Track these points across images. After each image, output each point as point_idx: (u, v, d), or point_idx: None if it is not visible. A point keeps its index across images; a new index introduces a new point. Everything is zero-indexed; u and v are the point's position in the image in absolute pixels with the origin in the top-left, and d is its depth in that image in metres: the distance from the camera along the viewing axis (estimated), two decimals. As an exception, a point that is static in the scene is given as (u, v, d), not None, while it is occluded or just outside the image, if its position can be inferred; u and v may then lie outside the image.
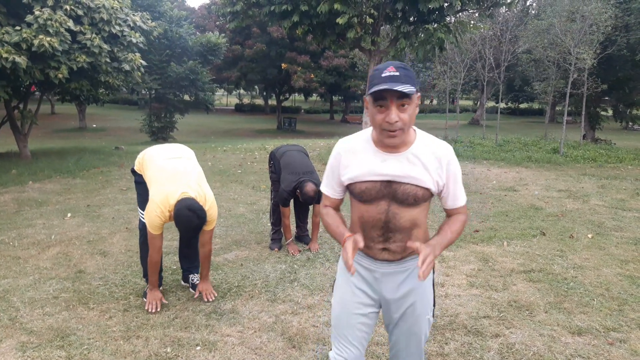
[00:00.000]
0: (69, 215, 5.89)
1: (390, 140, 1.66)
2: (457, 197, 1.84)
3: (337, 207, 1.95)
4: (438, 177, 1.75)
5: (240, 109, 44.79)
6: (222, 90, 43.36)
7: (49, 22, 8.26)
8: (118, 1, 9.71)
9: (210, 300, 3.51)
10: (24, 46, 8.12)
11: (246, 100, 49.70)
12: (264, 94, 41.68)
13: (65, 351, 2.82)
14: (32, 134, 12.22)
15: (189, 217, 3.01)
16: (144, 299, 3.48)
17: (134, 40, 10.00)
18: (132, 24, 10.14)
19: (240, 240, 4.99)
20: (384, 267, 1.83)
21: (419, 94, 1.66)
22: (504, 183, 8.50)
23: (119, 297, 3.58)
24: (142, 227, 3.49)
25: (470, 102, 46.72)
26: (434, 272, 1.94)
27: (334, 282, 1.98)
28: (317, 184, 4.21)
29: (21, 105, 11.19)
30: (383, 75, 1.58)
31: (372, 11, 9.16)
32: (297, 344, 2.94)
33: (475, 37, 15.84)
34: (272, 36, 27.03)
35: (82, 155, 11.34)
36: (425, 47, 9.93)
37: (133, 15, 10.31)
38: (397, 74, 1.57)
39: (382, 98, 1.59)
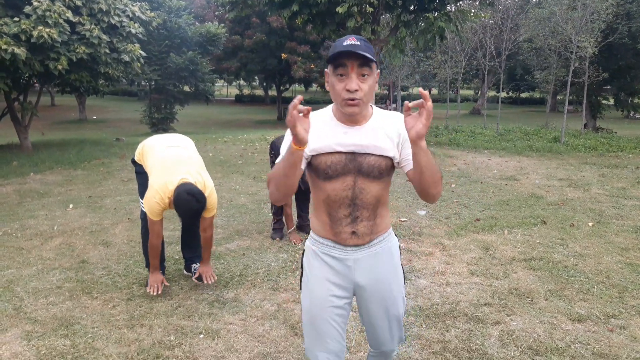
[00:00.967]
0: (71, 206, 5.91)
1: (350, 109, 1.62)
2: None
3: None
4: (398, 141, 1.73)
5: (240, 99, 44.65)
6: (222, 81, 43.20)
7: (47, 13, 8.23)
8: (116, -9, 9.66)
9: (211, 282, 3.51)
10: (23, 37, 8.10)
11: (246, 91, 49.51)
12: (264, 84, 41.50)
13: (70, 340, 2.85)
14: (33, 126, 12.21)
15: (188, 201, 3.04)
16: (147, 288, 3.51)
17: (133, 31, 9.96)
18: (131, 15, 10.10)
19: (242, 230, 5.01)
20: (354, 253, 1.79)
21: (378, 70, 1.67)
22: (504, 172, 8.51)
23: (122, 286, 3.61)
24: (144, 217, 3.51)
25: (471, 92, 46.58)
26: (400, 253, 1.94)
27: (301, 278, 1.90)
28: None
29: (21, 97, 11.17)
30: (345, 43, 1.58)
31: (372, 0, 9.11)
32: (299, 332, 2.97)
33: (476, 26, 15.76)
34: (272, 26, 26.86)
35: (83, 147, 11.35)
36: (426, 36, 9.88)
37: (132, 5, 10.26)
38: (358, 43, 1.57)
39: (342, 65, 1.58)
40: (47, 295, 3.43)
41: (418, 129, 1.53)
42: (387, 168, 1.73)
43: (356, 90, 1.59)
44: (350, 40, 1.58)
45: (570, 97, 16.30)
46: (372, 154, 1.70)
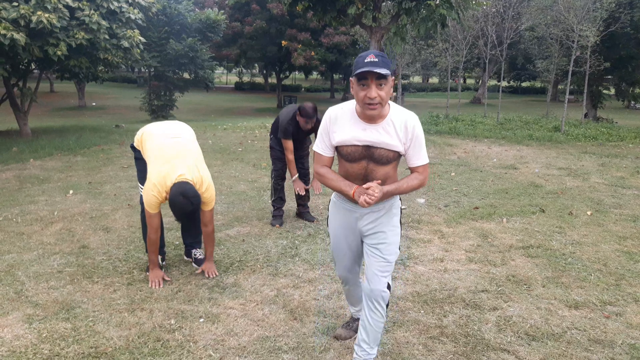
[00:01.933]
0: (71, 192, 5.92)
1: (370, 112, 2.11)
2: (419, 158, 2.26)
3: (330, 166, 2.37)
4: (405, 140, 2.20)
5: (240, 87, 44.49)
6: (222, 68, 43.01)
7: (46, -2, 8.17)
8: (116, -24, 9.57)
9: (213, 276, 3.56)
10: (22, 23, 8.04)
11: (246, 79, 49.32)
12: (264, 72, 41.31)
13: (71, 323, 2.87)
14: (32, 112, 12.18)
15: (182, 204, 3.09)
16: (147, 273, 3.53)
17: (133, 17, 9.89)
18: (130, 0, 10.02)
19: (242, 217, 5.02)
20: (362, 208, 2.28)
21: (393, 77, 2.11)
22: (504, 161, 8.52)
23: (122, 271, 3.63)
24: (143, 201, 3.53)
25: (472, 81, 46.40)
26: (401, 224, 2.43)
27: (327, 219, 2.55)
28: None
29: (20, 83, 11.13)
30: (365, 61, 2.02)
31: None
32: (298, 317, 3.00)
33: (477, 14, 15.65)
34: (272, 13, 26.67)
35: (82, 133, 11.33)
36: (427, 23, 9.83)
37: (131, -9, 10.17)
38: (376, 60, 2.01)
39: (364, 78, 2.04)
40: (48, 280, 3.45)
41: (360, 201, 2.13)
42: (394, 157, 2.24)
43: (375, 97, 2.05)
44: (370, 58, 2.02)
45: (571, 87, 16.24)
46: (383, 148, 2.19)
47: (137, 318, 2.94)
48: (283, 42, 26.89)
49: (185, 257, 3.90)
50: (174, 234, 4.37)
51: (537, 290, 3.40)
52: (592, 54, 13.47)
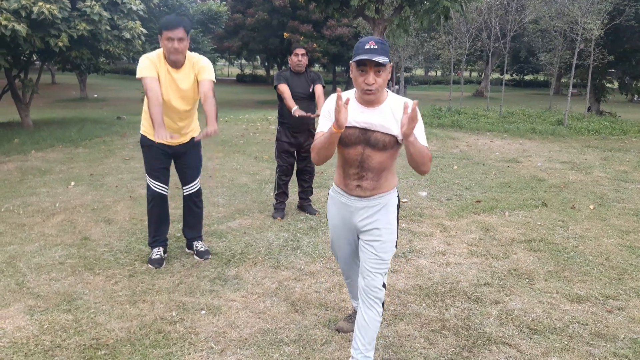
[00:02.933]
0: (72, 184, 5.92)
1: (368, 96, 2.15)
2: (420, 139, 2.17)
3: None
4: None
5: (241, 79, 44.34)
6: (224, 60, 42.87)
7: (47, -11, 8.12)
8: (117, -33, 9.50)
9: (214, 135, 3.26)
10: (23, 13, 8.00)
11: (248, 71, 49.18)
12: (266, 64, 41.18)
13: (73, 314, 2.87)
14: (33, 104, 12.16)
15: (172, 16, 3.27)
16: (149, 265, 3.54)
17: (134, 8, 9.83)
18: (131, -9, 9.95)
19: (244, 209, 5.02)
20: (357, 203, 2.31)
21: (391, 63, 2.16)
22: (507, 154, 8.49)
23: (124, 263, 3.63)
24: (150, 194, 3.54)
25: (475, 74, 46.21)
26: (399, 221, 2.43)
27: (327, 213, 2.57)
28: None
29: (22, 75, 11.10)
30: (365, 47, 2.05)
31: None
32: (299, 309, 2.99)
33: (481, 6, 15.53)
34: (274, 4, 26.56)
35: (84, 125, 11.31)
36: (430, 15, 9.75)
37: (133, -18, 10.10)
38: (376, 47, 2.05)
39: (363, 64, 2.08)
40: (50, 271, 3.45)
41: (404, 130, 2.02)
42: (390, 143, 2.21)
43: (372, 84, 2.09)
44: (370, 45, 2.05)
45: (575, 80, 16.15)
46: (379, 132, 2.19)
47: (139, 310, 2.94)
48: (285, 34, 26.77)
49: (186, 250, 3.90)
50: (175, 226, 4.36)
51: (539, 284, 3.39)
52: (595, 47, 13.38)
